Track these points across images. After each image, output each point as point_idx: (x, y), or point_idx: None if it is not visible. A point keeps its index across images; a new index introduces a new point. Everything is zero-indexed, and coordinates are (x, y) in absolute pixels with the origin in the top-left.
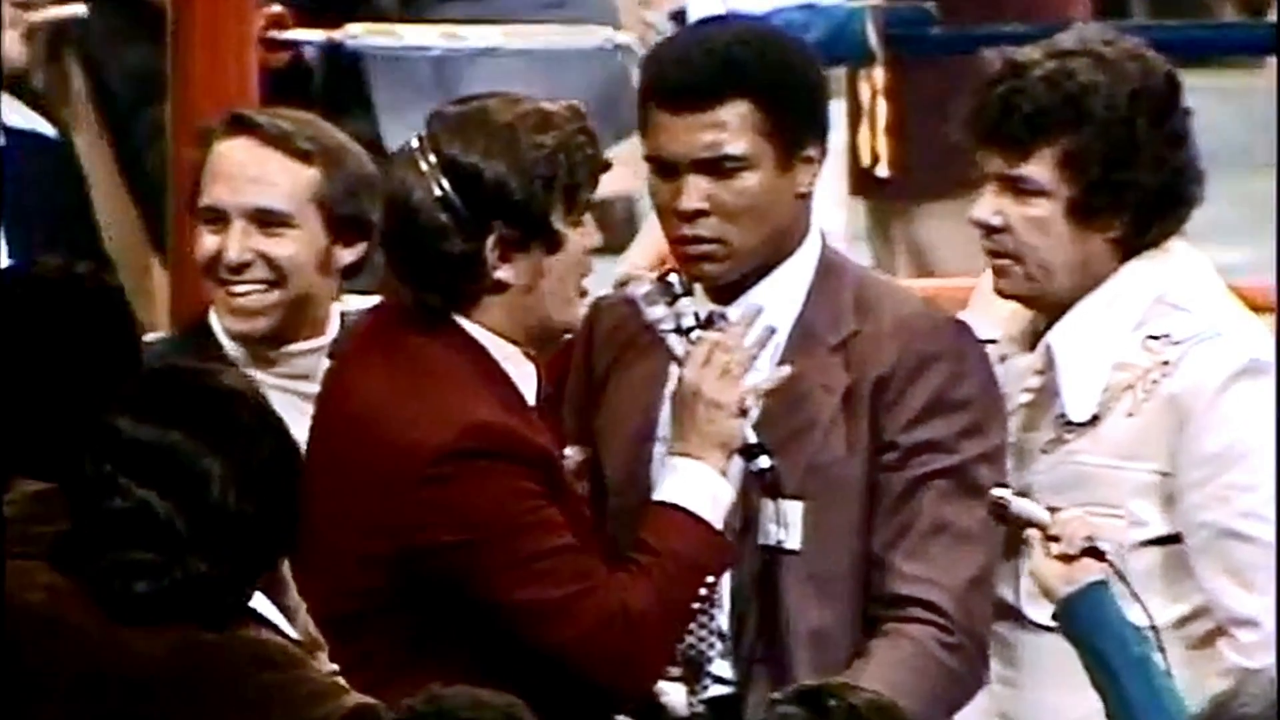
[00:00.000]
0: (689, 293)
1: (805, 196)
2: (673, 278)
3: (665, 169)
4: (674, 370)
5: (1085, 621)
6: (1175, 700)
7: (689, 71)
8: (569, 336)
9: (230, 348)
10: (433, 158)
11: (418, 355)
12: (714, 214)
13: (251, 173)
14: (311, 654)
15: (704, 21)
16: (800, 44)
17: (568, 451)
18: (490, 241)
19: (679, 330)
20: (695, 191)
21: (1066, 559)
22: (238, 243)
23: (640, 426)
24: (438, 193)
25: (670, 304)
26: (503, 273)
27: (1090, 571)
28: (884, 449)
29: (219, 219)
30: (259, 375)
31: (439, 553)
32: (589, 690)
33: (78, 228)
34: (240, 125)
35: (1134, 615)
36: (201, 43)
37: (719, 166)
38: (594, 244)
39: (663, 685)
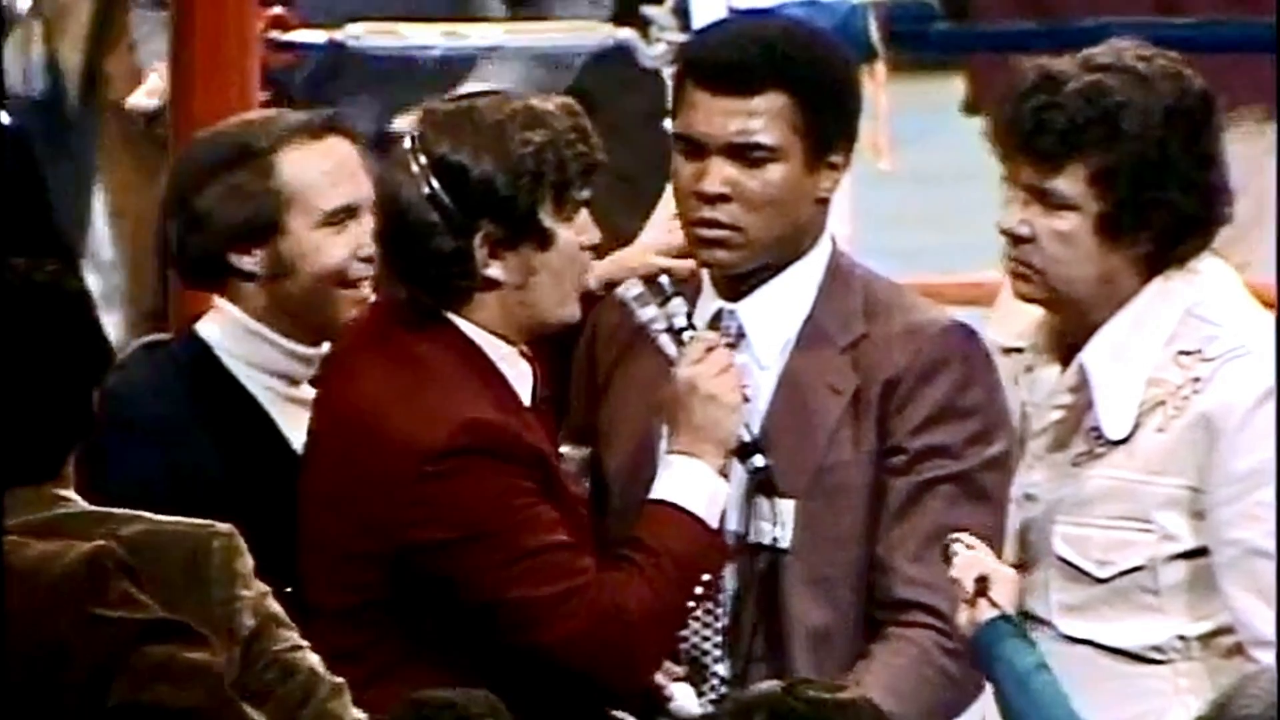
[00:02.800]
0: (680, 294)
1: (824, 202)
2: (663, 279)
3: (693, 149)
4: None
5: (984, 658)
6: None
7: (735, 55)
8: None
9: (230, 363)
10: (422, 156)
11: (413, 354)
12: (735, 201)
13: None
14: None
15: (750, 12)
16: (845, 52)
17: (567, 450)
18: (478, 239)
19: (671, 331)
20: (720, 175)
21: (967, 601)
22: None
23: (643, 423)
24: (426, 191)
25: (661, 305)
26: (493, 270)
27: (984, 610)
28: (890, 453)
29: (350, 215)
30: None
31: (432, 550)
32: (582, 687)
33: (34, 215)
34: (330, 127)
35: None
36: (203, 44)
37: (747, 154)
38: (591, 241)
39: (672, 688)
